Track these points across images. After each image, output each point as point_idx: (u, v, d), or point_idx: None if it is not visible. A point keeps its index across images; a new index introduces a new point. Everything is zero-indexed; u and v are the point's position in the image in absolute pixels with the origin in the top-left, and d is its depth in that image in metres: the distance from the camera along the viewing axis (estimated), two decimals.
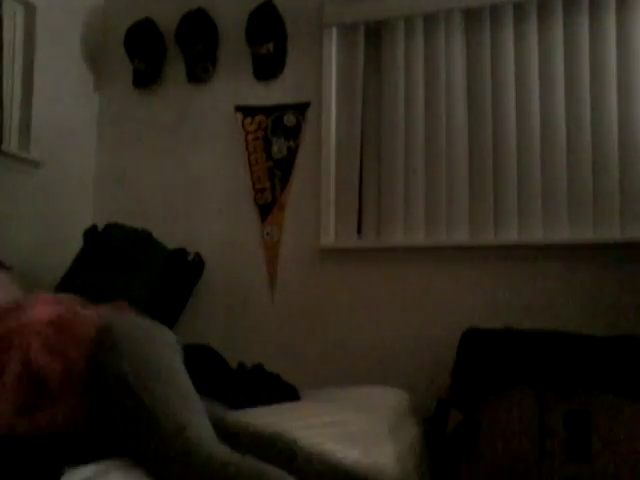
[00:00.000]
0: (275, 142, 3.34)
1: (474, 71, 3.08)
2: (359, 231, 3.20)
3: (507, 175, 2.98)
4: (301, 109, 3.32)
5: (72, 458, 1.34)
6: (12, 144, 3.16)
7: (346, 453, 1.70)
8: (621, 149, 2.83)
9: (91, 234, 3.01)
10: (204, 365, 2.27)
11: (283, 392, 2.40)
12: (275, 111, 3.36)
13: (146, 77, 3.58)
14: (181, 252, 3.20)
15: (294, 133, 3.32)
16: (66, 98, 3.46)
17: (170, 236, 3.18)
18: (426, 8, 3.12)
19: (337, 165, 3.24)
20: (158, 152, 3.54)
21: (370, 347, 3.07)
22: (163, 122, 3.55)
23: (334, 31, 3.29)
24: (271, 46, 3.32)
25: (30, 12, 3.26)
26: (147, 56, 3.53)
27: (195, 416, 1.50)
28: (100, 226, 3.05)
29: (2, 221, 3.04)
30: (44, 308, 1.58)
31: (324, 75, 3.27)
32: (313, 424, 1.89)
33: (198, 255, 3.26)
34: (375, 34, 3.26)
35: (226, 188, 3.40)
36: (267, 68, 3.37)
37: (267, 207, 3.32)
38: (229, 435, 1.62)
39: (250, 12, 3.34)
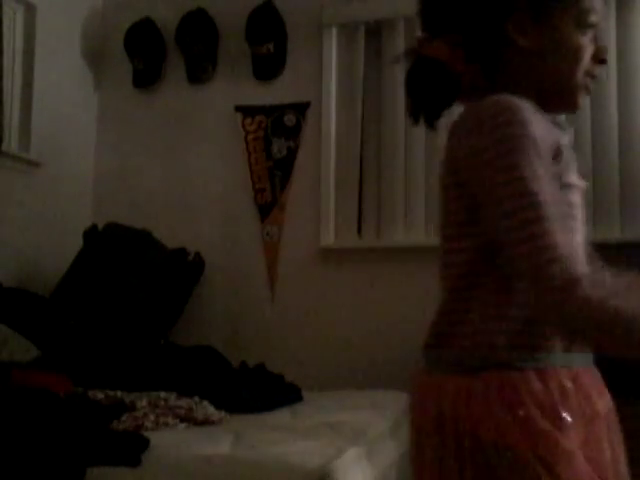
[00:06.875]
0: (275, 142, 3.34)
1: None
2: (359, 231, 3.20)
3: None
4: (301, 109, 3.32)
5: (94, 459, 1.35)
6: (12, 144, 3.16)
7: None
8: (621, 149, 2.83)
9: (91, 234, 3.01)
10: (206, 366, 2.27)
11: (286, 392, 2.40)
12: (275, 111, 3.36)
13: (146, 77, 3.58)
14: (181, 252, 3.20)
15: (294, 133, 3.31)
16: (66, 98, 3.46)
17: (170, 236, 3.18)
18: None
19: (337, 165, 3.23)
20: (158, 152, 3.54)
21: (370, 347, 3.06)
22: (163, 122, 3.54)
23: (334, 31, 3.29)
24: (271, 46, 3.32)
25: (30, 12, 3.26)
26: (147, 56, 3.53)
27: None
28: (100, 226, 3.05)
29: (2, 221, 3.03)
30: None
31: (324, 75, 3.27)
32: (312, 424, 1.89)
33: (198, 255, 3.26)
34: (375, 34, 3.26)
35: (226, 188, 3.40)
36: (267, 68, 3.36)
37: (267, 207, 3.32)
38: None
39: (250, 12, 3.33)
